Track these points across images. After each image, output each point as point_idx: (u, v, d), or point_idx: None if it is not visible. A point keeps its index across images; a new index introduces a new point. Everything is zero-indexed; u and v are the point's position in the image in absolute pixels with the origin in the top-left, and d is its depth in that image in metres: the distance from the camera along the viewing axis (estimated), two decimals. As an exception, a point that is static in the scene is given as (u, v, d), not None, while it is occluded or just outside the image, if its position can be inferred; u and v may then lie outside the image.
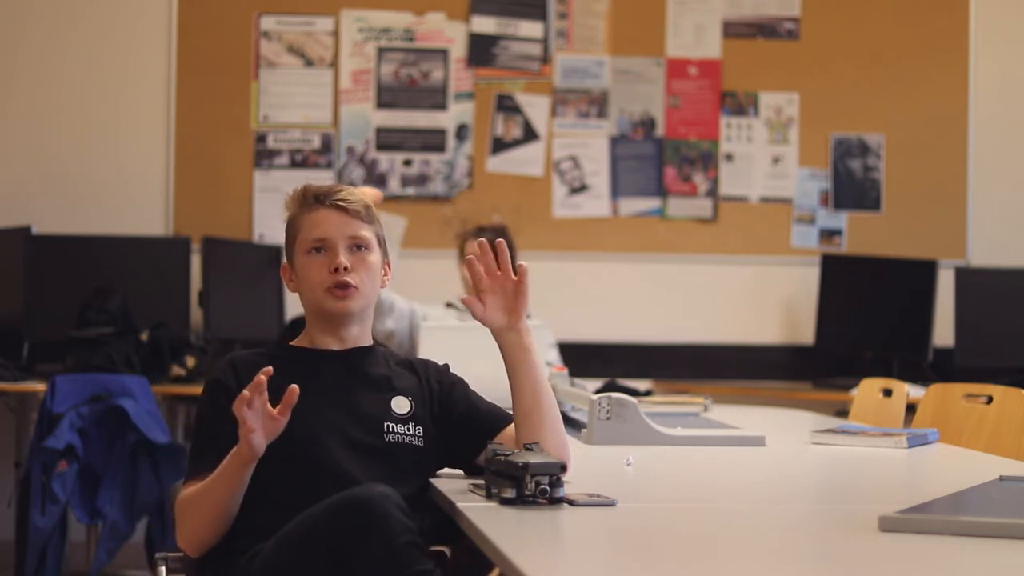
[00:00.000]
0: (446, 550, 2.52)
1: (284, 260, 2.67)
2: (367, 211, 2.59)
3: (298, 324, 3.28)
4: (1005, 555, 1.82)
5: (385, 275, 2.62)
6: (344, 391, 2.52)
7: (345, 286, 2.52)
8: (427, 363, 2.66)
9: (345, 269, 2.52)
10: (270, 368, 2.30)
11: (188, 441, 4.25)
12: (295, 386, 2.30)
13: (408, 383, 2.58)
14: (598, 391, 3.84)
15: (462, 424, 2.55)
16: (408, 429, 2.51)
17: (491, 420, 2.56)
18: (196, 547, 2.42)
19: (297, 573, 2.22)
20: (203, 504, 2.39)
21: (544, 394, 2.50)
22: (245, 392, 2.27)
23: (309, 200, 2.61)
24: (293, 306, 5.30)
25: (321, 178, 5.49)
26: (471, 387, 2.64)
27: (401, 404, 2.54)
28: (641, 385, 4.82)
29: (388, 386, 2.55)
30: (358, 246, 2.56)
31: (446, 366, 2.67)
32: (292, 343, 2.62)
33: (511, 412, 2.59)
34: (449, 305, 4.89)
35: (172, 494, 2.59)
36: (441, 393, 2.59)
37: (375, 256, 2.58)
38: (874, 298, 5.57)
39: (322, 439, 2.44)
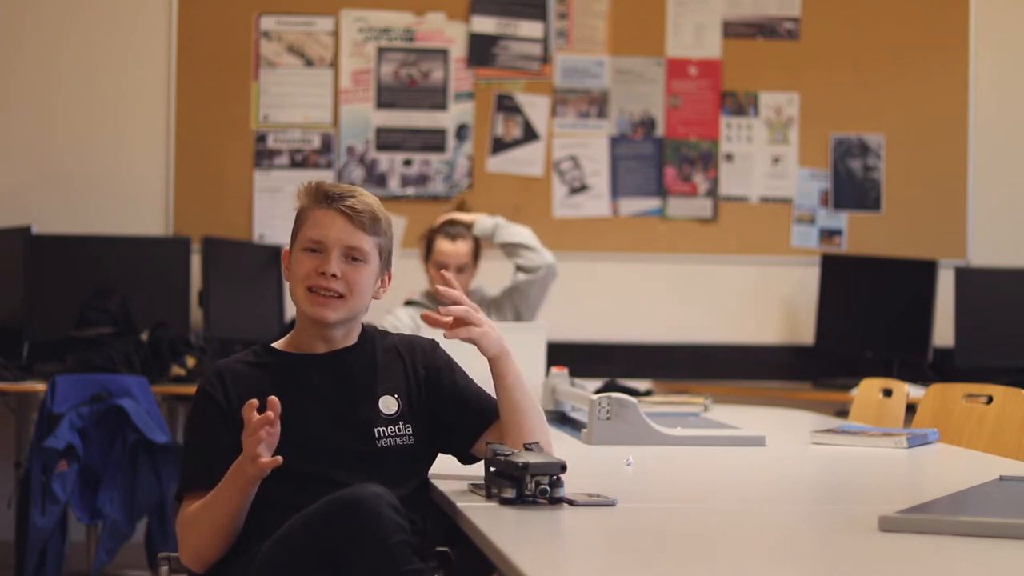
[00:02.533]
0: (449, 551, 2.51)
1: (287, 247, 2.61)
2: (373, 222, 2.52)
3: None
4: (1005, 555, 1.82)
5: (382, 287, 2.57)
6: (331, 398, 2.50)
7: (331, 294, 2.48)
8: (413, 344, 2.61)
9: (334, 276, 2.48)
10: (276, 400, 2.30)
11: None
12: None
13: (394, 376, 2.54)
14: (598, 391, 3.84)
15: (450, 415, 2.53)
16: (398, 429, 2.50)
17: (480, 412, 2.55)
18: (201, 564, 2.42)
19: (292, 573, 2.22)
20: (206, 521, 2.38)
21: (521, 406, 2.49)
22: (256, 426, 2.28)
23: (319, 197, 2.55)
24: (293, 306, 5.29)
25: (321, 179, 5.48)
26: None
27: (388, 404, 2.52)
28: (641, 385, 4.82)
29: (374, 386, 2.52)
30: (354, 257, 2.50)
31: (433, 344, 2.62)
32: (277, 345, 2.59)
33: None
34: (409, 303, 4.88)
35: (173, 506, 2.58)
36: (428, 379, 2.56)
37: (370, 269, 2.52)
38: (874, 298, 5.57)
39: (313, 451, 2.43)
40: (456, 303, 2.47)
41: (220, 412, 2.45)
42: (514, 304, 4.78)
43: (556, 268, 4.81)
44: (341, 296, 2.49)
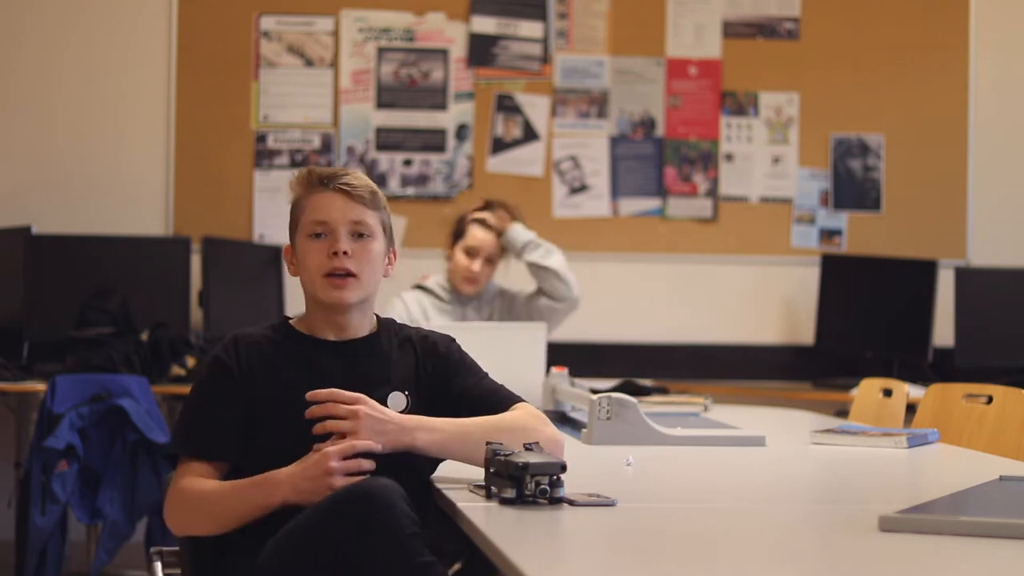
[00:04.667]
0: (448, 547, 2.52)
1: (288, 243, 2.61)
2: (373, 196, 2.53)
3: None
4: (1005, 555, 1.82)
5: (389, 264, 2.58)
6: (343, 388, 2.49)
7: (343, 273, 2.49)
8: (426, 339, 2.60)
9: (345, 254, 2.48)
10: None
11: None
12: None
13: (405, 370, 2.54)
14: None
15: (459, 414, 2.53)
16: None
17: (488, 410, 2.54)
18: (186, 534, 2.44)
19: (303, 565, 2.21)
20: (217, 512, 2.38)
21: (473, 455, 2.41)
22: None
23: (313, 182, 2.55)
24: (293, 306, 5.30)
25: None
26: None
27: (398, 401, 2.51)
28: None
29: (385, 381, 2.52)
30: (360, 233, 2.51)
31: (448, 340, 2.61)
32: (293, 323, 2.57)
33: (517, 395, 2.58)
34: (419, 287, 4.86)
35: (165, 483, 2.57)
36: (436, 376, 2.55)
37: (378, 244, 2.53)
38: (874, 298, 5.57)
39: (322, 440, 2.43)
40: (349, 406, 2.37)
41: (231, 379, 2.45)
42: (530, 319, 4.73)
43: (579, 303, 4.77)
44: (355, 276, 2.49)
